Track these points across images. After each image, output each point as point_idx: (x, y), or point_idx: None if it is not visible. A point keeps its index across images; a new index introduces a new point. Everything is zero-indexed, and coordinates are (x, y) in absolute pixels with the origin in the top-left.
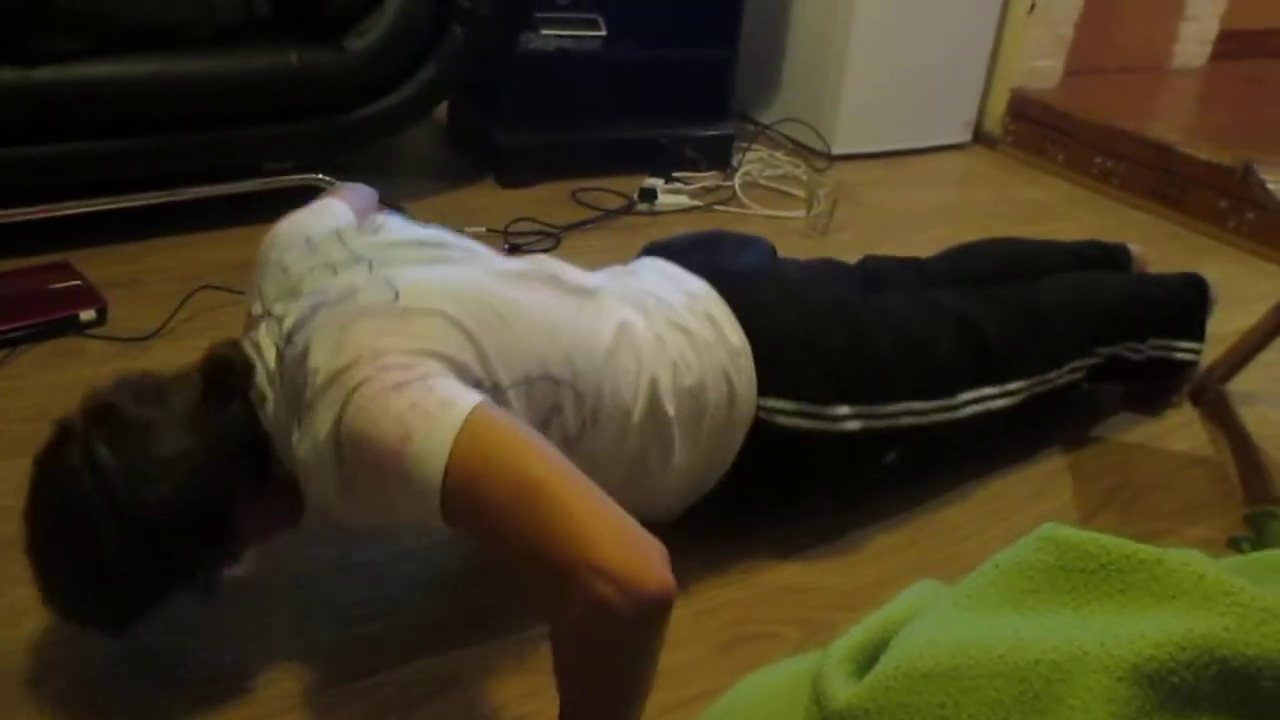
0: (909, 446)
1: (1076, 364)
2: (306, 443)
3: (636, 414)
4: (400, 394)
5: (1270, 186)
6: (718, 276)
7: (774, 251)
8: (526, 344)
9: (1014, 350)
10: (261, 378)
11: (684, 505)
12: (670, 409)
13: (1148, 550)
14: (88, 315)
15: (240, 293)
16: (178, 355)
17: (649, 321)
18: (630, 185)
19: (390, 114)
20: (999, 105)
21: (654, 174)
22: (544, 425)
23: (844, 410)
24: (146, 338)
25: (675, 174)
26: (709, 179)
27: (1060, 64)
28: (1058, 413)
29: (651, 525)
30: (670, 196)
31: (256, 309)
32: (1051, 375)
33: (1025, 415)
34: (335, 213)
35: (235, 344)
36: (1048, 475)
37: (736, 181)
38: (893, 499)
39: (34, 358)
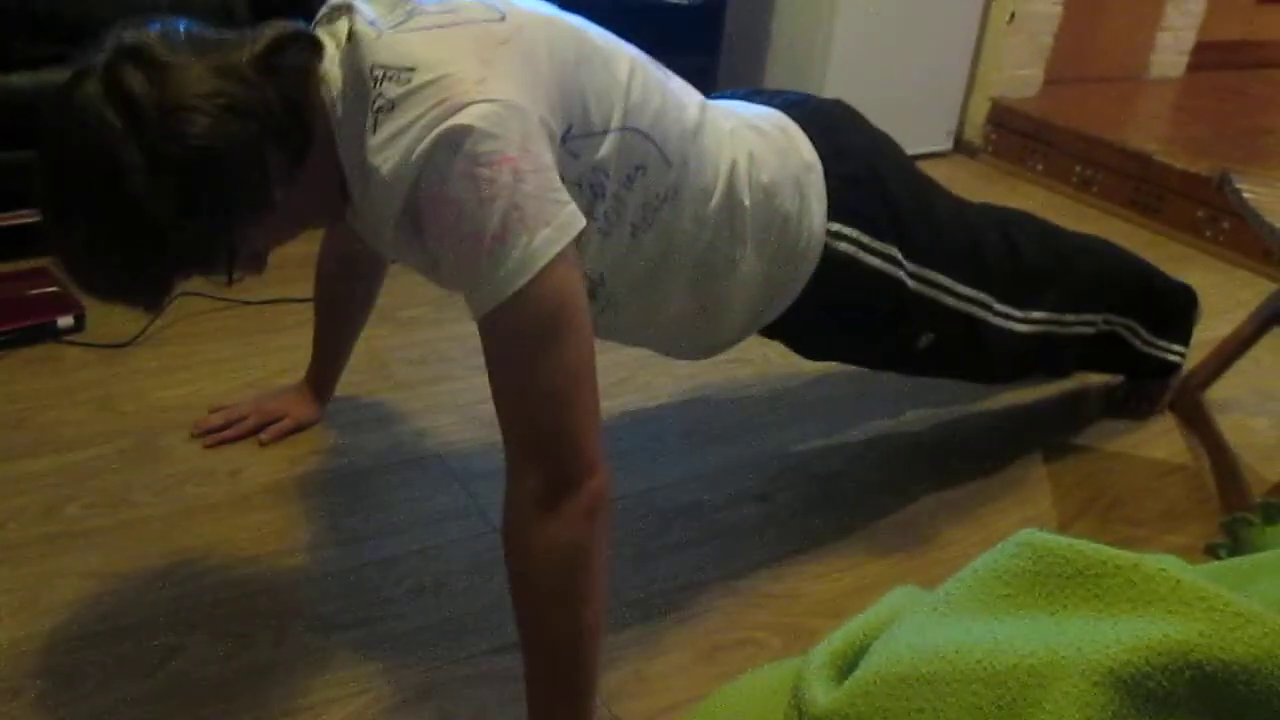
0: (942, 333)
1: (1088, 317)
2: (392, 149)
3: (715, 198)
4: (504, 186)
5: (1246, 196)
6: (790, 105)
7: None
8: (623, 90)
9: (1042, 277)
10: (330, 58)
11: (740, 336)
12: (746, 199)
13: (1124, 556)
14: (66, 322)
15: (220, 299)
16: (157, 362)
17: (726, 116)
18: None
19: None
20: (979, 114)
21: None
22: (628, 181)
23: (900, 254)
24: (125, 344)
25: None
26: None
27: (1040, 73)
28: (1043, 417)
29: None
30: None
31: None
32: (1069, 318)
33: (1030, 366)
34: None
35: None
36: (1028, 482)
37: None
38: (873, 505)
39: (11, 365)
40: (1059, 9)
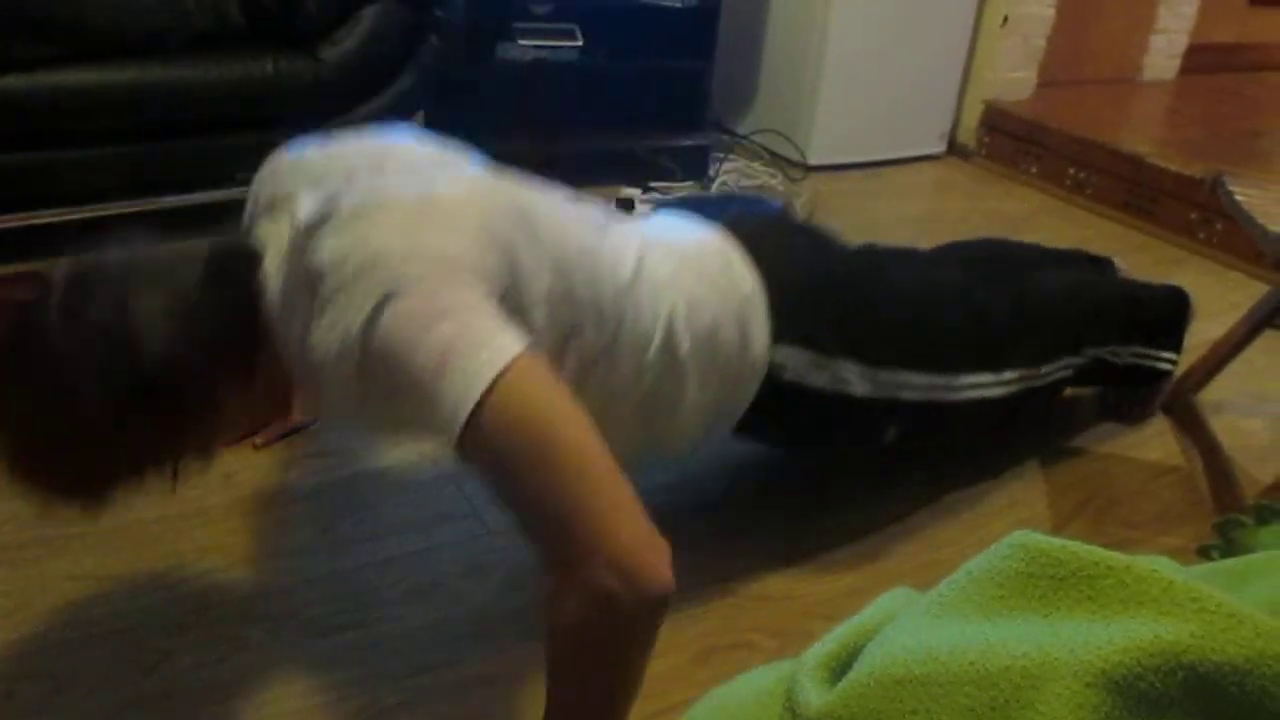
0: (908, 424)
1: (1065, 362)
2: (332, 336)
3: (653, 348)
4: (443, 321)
5: (1239, 198)
6: (733, 223)
7: (784, 211)
8: (551, 260)
9: (1011, 337)
10: (269, 263)
11: (695, 447)
12: (685, 346)
13: (1116, 557)
14: None
15: None
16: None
17: (664, 259)
18: (607, 195)
19: (366, 123)
20: (973, 117)
21: (631, 184)
22: (563, 344)
23: (851, 368)
24: None
25: (652, 184)
26: (686, 189)
27: (1033, 76)
28: (1037, 421)
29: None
30: (647, 206)
31: (254, 207)
32: (1043, 370)
33: (1012, 415)
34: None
35: (245, 230)
36: (1022, 484)
37: (713, 191)
38: (868, 507)
39: None
40: (1052, 12)
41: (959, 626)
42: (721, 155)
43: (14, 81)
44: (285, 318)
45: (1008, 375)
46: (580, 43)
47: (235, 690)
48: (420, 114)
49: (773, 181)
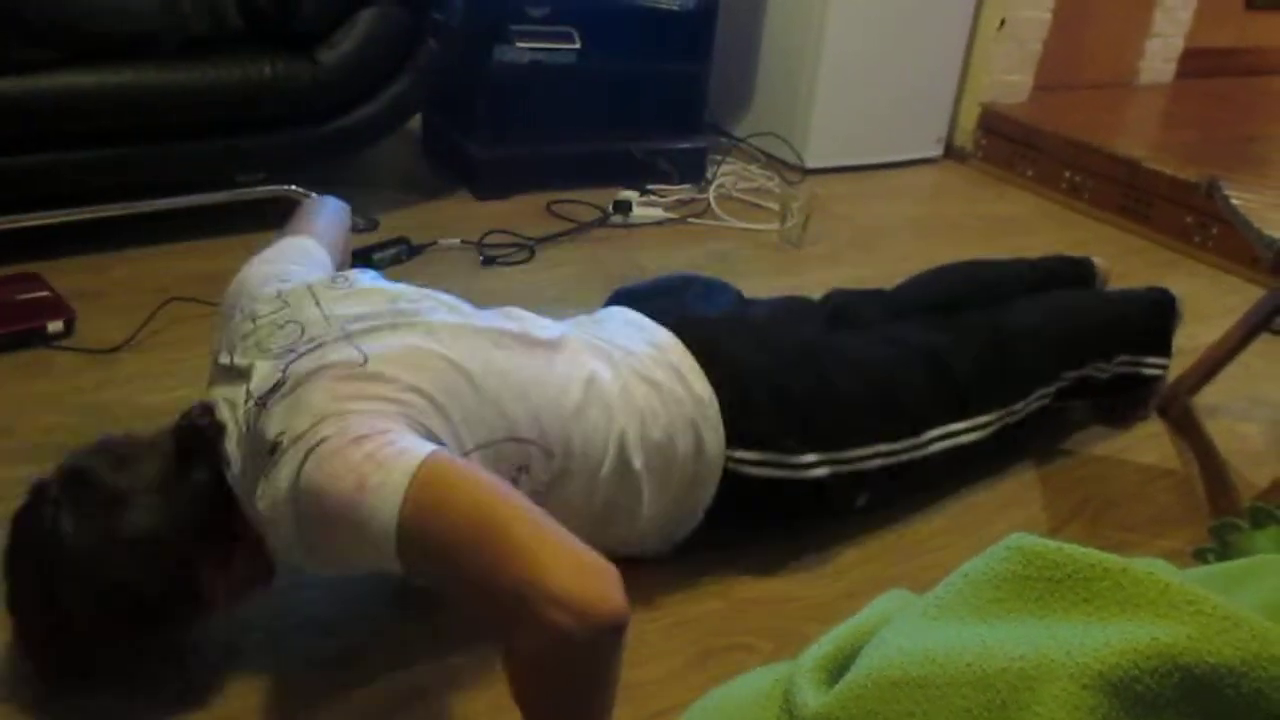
0: (878, 489)
1: (1044, 391)
2: (266, 499)
3: (605, 467)
4: (358, 446)
5: (1235, 202)
6: (683, 326)
7: (740, 297)
8: (494, 409)
9: (982, 383)
10: (231, 440)
11: (659, 549)
12: (638, 462)
13: (1113, 560)
14: (55, 327)
15: (210, 304)
16: (145, 367)
17: (616, 373)
18: (605, 198)
19: (363, 126)
20: (969, 120)
21: (628, 186)
22: (513, 479)
23: (811, 458)
24: (114, 349)
25: (649, 186)
26: (683, 192)
27: (1030, 79)
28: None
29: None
30: (644, 209)
31: (223, 359)
32: (1019, 406)
33: (993, 446)
34: (307, 258)
35: (209, 408)
36: (1017, 487)
37: (710, 194)
38: (862, 510)
39: (0, 369)
40: (1049, 16)
41: (956, 629)
42: (719, 158)
43: (10, 84)
44: (246, 486)
45: (982, 420)
46: (578, 45)
47: (235, 691)
48: (418, 117)
49: (770, 184)
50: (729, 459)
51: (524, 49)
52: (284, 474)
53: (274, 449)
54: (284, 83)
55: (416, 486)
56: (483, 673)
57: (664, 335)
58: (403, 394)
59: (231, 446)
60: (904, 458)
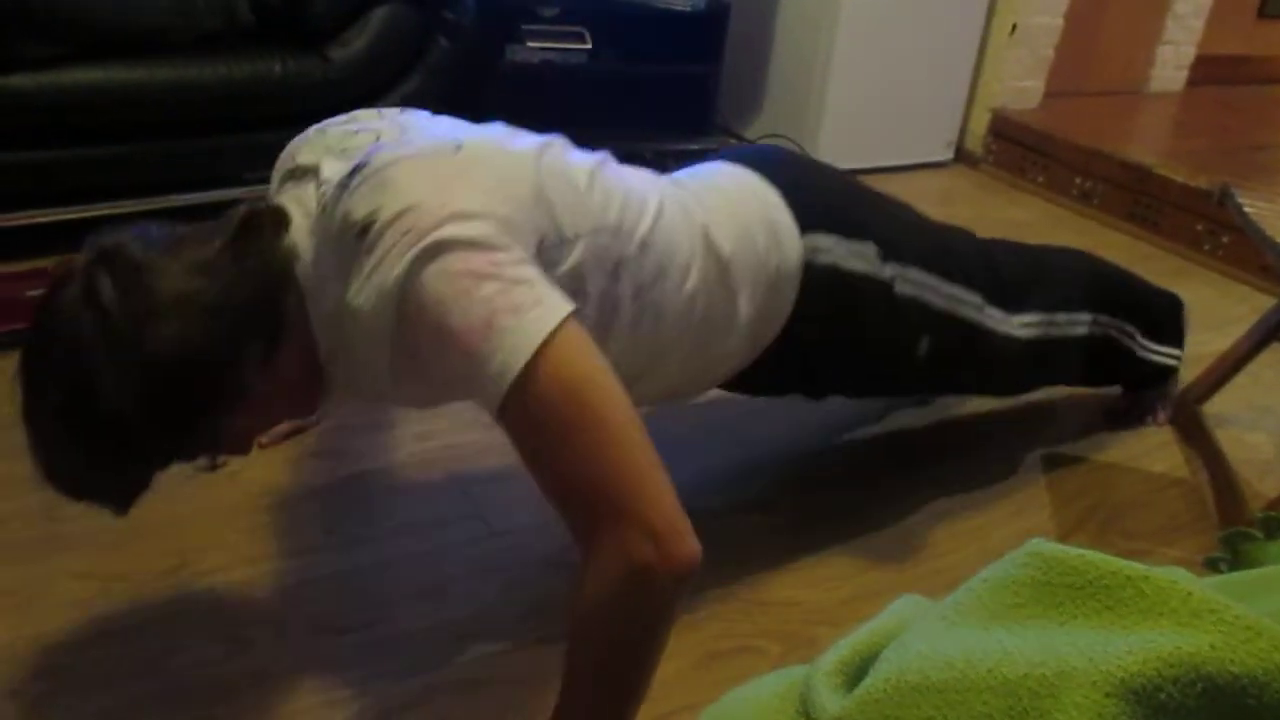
0: (938, 335)
1: (1080, 316)
2: (369, 289)
3: (696, 266)
4: (486, 281)
5: (1248, 210)
6: (735, 156)
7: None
8: (584, 198)
9: (1023, 282)
10: (300, 231)
11: (741, 366)
12: (726, 250)
13: (1134, 567)
14: None
15: None
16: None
17: (681, 187)
18: None
19: None
20: (980, 125)
21: None
22: (614, 277)
23: (878, 255)
24: None
25: None
26: None
27: (1041, 85)
28: (1043, 420)
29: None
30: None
31: (285, 166)
32: (1060, 318)
33: (1035, 372)
34: None
35: (265, 198)
36: (1026, 494)
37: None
38: (872, 514)
39: (9, 365)
40: (1060, 22)
41: (975, 634)
42: None
43: (21, 80)
44: (318, 282)
45: (1027, 318)
46: (589, 46)
47: (239, 690)
48: None
49: None
50: (806, 246)
51: (535, 48)
52: (391, 264)
53: (364, 231)
54: (295, 80)
55: (550, 350)
56: (492, 672)
57: (720, 163)
58: (504, 179)
59: (301, 237)
60: (960, 310)
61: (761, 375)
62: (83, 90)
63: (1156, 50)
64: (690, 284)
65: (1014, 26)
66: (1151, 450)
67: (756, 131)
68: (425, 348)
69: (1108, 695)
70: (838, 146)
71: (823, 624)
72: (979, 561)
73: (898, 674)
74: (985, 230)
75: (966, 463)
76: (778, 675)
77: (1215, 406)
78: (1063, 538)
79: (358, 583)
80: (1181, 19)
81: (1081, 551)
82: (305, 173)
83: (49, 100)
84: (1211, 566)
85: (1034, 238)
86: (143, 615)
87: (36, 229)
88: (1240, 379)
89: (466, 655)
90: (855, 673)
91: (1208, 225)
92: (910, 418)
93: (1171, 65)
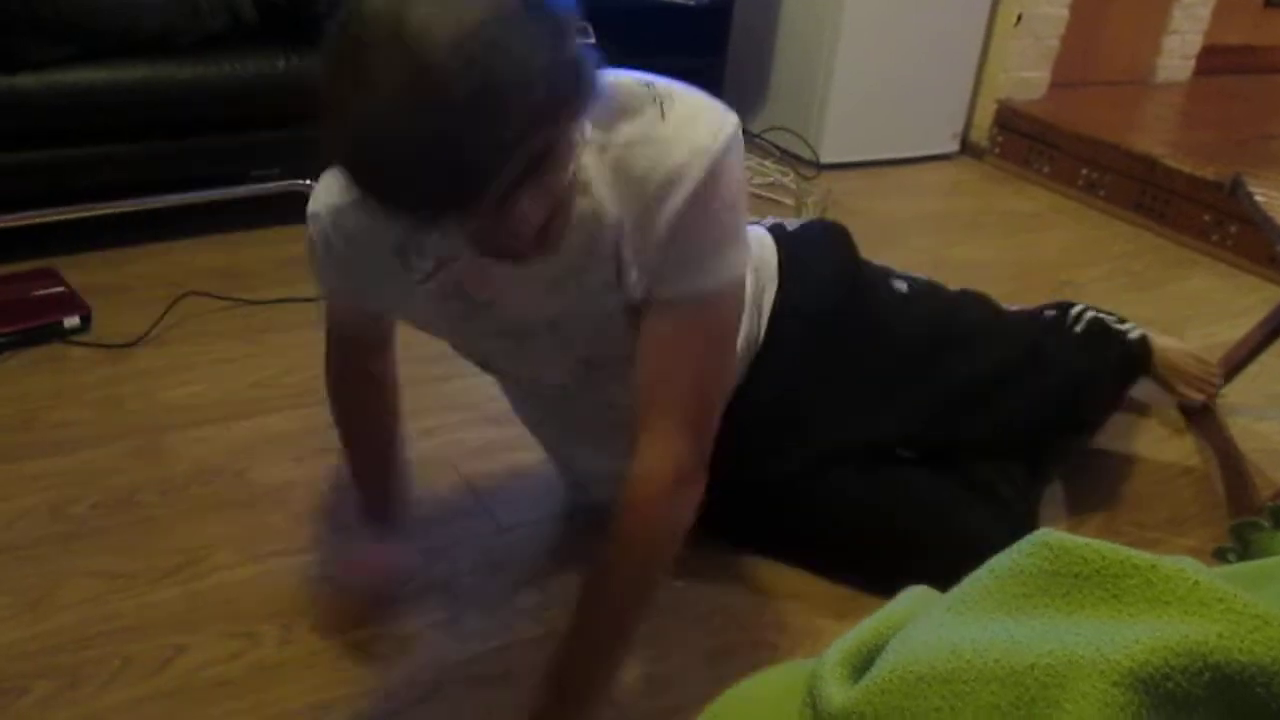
0: (911, 280)
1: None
2: (685, 138)
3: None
4: (739, 211)
5: (1259, 200)
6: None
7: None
8: None
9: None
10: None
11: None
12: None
13: (1141, 556)
14: (72, 322)
15: (226, 298)
16: (162, 362)
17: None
18: None
19: None
20: (986, 116)
21: None
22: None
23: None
24: (131, 344)
25: None
26: None
27: (1046, 76)
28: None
29: None
30: None
31: None
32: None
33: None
34: None
35: None
36: None
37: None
38: None
39: (17, 365)
40: (1065, 12)
41: (983, 624)
42: None
43: (27, 80)
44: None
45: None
46: (591, 40)
47: (248, 687)
48: None
49: (785, 180)
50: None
51: None
52: (698, 136)
53: (668, 98)
54: (298, 77)
55: (734, 286)
56: (498, 669)
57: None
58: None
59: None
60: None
61: None
62: (88, 90)
63: (1163, 40)
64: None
65: (1019, 17)
66: (1162, 440)
67: (761, 125)
68: (684, 217)
69: (1115, 684)
70: (842, 140)
71: (829, 617)
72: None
73: (904, 664)
74: (990, 224)
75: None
76: (785, 668)
77: (1227, 396)
78: (1073, 529)
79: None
80: (1188, 8)
81: (1089, 541)
82: None
83: (54, 100)
84: (1220, 557)
85: (1040, 230)
86: (151, 613)
87: (41, 229)
88: (1251, 369)
89: (477, 651)
90: (862, 664)
91: (1215, 216)
92: None
93: (1178, 55)
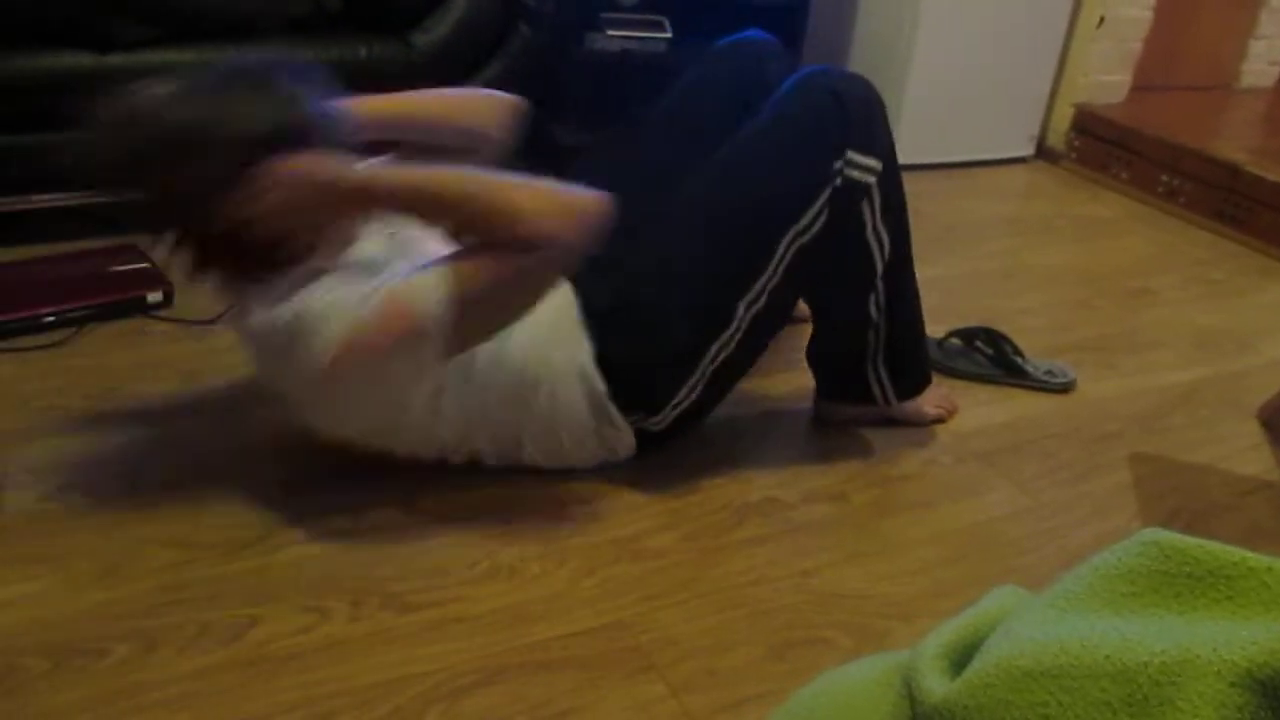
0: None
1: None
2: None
3: None
4: None
5: None
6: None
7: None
8: None
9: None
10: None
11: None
12: None
13: (1257, 558)
14: (155, 297)
15: None
16: (238, 341)
17: None
18: None
19: None
20: (1063, 120)
21: None
22: None
23: None
24: (210, 321)
25: None
26: None
27: (1128, 79)
28: (1126, 428)
29: None
30: None
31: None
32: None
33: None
34: None
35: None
36: (1107, 493)
37: None
38: (948, 511)
39: (100, 336)
40: (1150, 14)
41: (1089, 621)
42: None
43: (116, 60)
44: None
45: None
46: (669, 35)
47: (318, 661)
48: None
49: None
50: None
51: (615, 37)
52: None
53: None
54: (378, 65)
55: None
56: (560, 655)
57: None
58: None
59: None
60: None
61: None
62: (174, 71)
63: (1249, 44)
64: None
65: (1101, 19)
66: (1240, 452)
67: None
68: None
69: (1232, 685)
70: (916, 141)
71: (896, 618)
72: (1058, 561)
73: (1008, 658)
74: (1064, 228)
75: (1045, 462)
76: (874, 659)
77: None
78: None
79: (433, 561)
80: (1276, 13)
81: (1201, 541)
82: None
83: (142, 79)
84: None
85: (1116, 236)
86: (226, 584)
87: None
88: None
89: (537, 637)
90: (959, 658)
91: None
92: (988, 415)
93: (1264, 60)
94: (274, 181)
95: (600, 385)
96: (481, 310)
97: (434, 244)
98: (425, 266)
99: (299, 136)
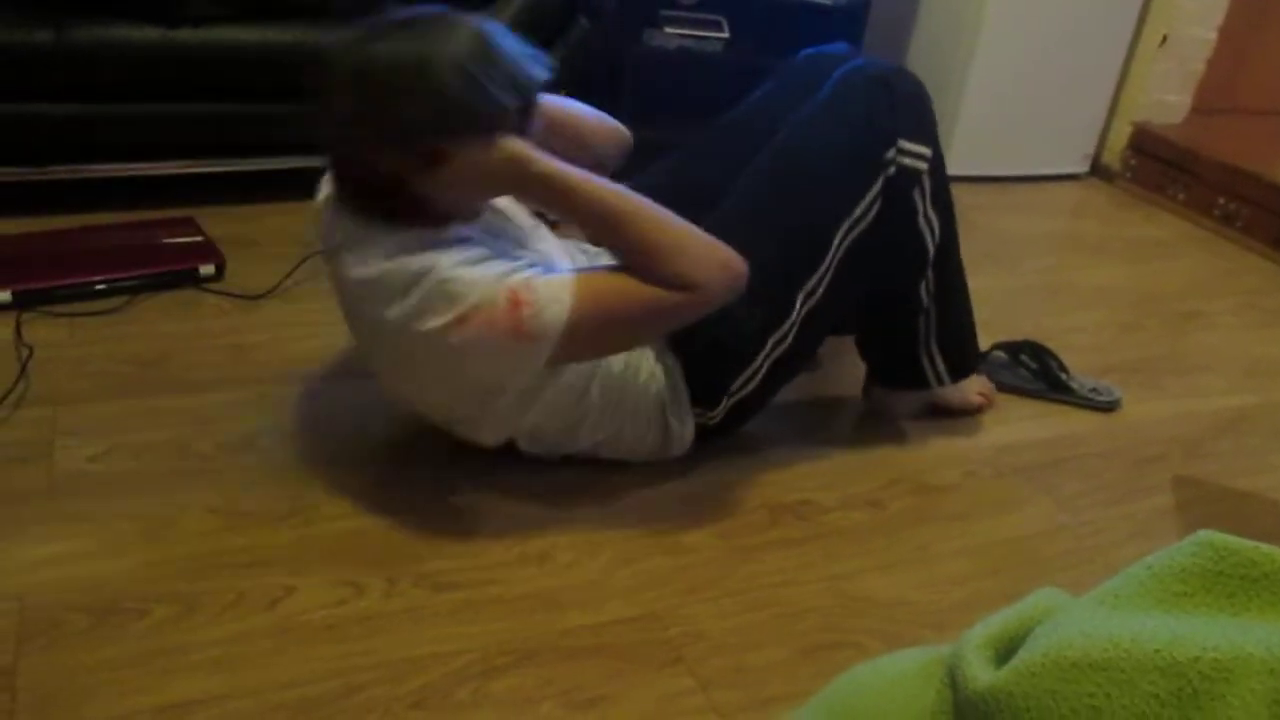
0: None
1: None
2: None
3: None
4: None
5: None
6: None
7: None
8: None
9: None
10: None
11: None
12: None
13: None
14: (207, 270)
15: None
16: (288, 315)
17: None
18: None
19: None
20: (1120, 139)
21: None
22: None
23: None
24: (260, 296)
25: None
26: None
27: (1188, 100)
28: (1167, 450)
29: None
30: None
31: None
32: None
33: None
34: None
35: None
36: (1148, 515)
37: None
38: (985, 523)
39: (152, 306)
40: (1214, 35)
41: (1139, 618)
42: None
43: (185, 35)
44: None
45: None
46: (727, 35)
47: (351, 634)
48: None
49: None
50: None
51: (673, 34)
52: None
53: None
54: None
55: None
56: (593, 641)
57: None
58: None
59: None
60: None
61: None
62: (242, 49)
63: None
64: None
65: (1164, 38)
66: None
67: None
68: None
69: None
70: (970, 153)
71: (928, 627)
72: (1095, 580)
73: (1056, 649)
74: (1116, 249)
75: (1087, 480)
76: (913, 651)
77: None
78: None
79: (468, 542)
80: None
81: (1257, 544)
82: None
83: (210, 56)
84: None
85: (1168, 258)
86: (265, 553)
87: (184, 179)
88: None
89: (570, 624)
90: (1005, 650)
91: None
92: (1030, 430)
93: None
94: (485, 144)
95: (676, 371)
96: (598, 333)
97: (554, 240)
98: (564, 271)
99: (524, 113)
